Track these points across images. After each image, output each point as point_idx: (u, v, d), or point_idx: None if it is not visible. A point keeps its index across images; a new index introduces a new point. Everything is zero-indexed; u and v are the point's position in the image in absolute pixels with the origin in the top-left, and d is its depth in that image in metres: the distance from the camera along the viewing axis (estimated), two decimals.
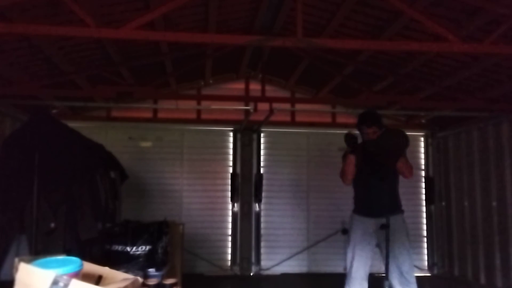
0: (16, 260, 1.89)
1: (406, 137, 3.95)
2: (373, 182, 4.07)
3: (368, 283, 4.20)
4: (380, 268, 4.26)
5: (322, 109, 8.15)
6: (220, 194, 7.99)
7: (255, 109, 6.83)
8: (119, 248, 4.19)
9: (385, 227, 3.79)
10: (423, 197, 8.33)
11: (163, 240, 4.40)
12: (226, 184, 8.00)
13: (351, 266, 4.16)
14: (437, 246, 8.13)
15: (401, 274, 4.03)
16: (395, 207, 4.16)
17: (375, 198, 4.11)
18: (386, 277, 3.96)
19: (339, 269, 7.53)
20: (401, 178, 4.22)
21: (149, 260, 4.15)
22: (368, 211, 4.14)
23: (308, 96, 8.15)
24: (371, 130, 4.10)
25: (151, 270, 3.94)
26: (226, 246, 7.94)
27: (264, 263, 7.92)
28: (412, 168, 4.13)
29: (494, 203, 6.55)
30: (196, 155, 7.97)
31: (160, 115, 7.85)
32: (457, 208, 7.55)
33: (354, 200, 4.36)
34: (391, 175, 4.13)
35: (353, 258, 4.16)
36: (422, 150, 8.39)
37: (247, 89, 8.01)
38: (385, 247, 3.86)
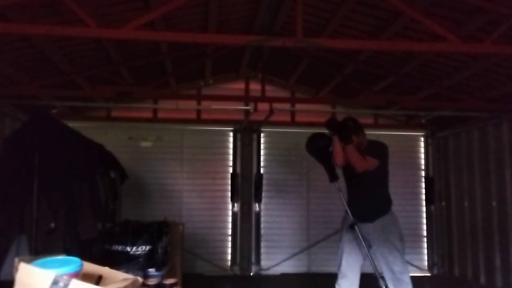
0: (16, 260, 1.89)
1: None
2: (353, 188, 4.23)
3: (361, 282, 4.22)
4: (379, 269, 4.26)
5: (322, 109, 8.14)
6: (220, 194, 7.99)
7: (255, 109, 6.83)
8: (119, 248, 4.19)
9: (352, 227, 3.98)
10: (423, 197, 8.33)
11: (163, 240, 4.40)
12: (226, 184, 8.00)
13: (340, 263, 4.20)
14: (437, 246, 8.13)
15: (393, 274, 4.03)
16: (380, 210, 4.17)
17: (356, 204, 4.17)
18: (382, 277, 3.97)
19: None
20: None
21: (149, 260, 4.14)
22: (354, 215, 4.14)
23: (308, 96, 8.15)
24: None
25: (151, 270, 3.93)
26: (226, 246, 7.94)
27: (264, 263, 7.92)
28: (360, 160, 4.00)
29: (494, 203, 6.54)
30: (196, 155, 7.97)
31: (160, 115, 7.85)
32: (457, 208, 7.55)
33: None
34: (370, 180, 4.13)
35: (342, 255, 4.20)
36: (422, 150, 8.39)
37: (247, 89, 8.01)
38: (364, 246, 3.97)
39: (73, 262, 1.93)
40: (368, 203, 4.14)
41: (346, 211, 4.26)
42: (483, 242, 6.79)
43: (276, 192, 8.06)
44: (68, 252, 2.61)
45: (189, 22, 5.39)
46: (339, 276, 4.18)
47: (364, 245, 4.01)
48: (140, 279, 2.23)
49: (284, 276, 7.79)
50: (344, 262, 4.17)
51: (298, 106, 7.79)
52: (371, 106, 7.67)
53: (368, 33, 5.22)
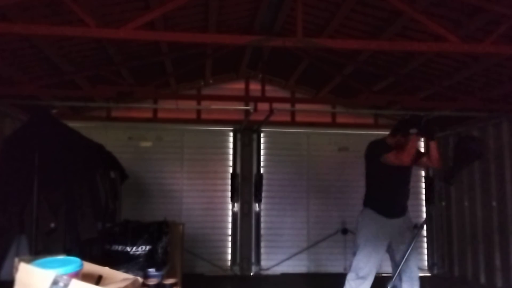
0: (16, 260, 1.90)
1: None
2: (401, 187, 4.30)
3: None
4: (380, 269, 4.27)
5: (322, 109, 8.15)
6: (220, 194, 7.99)
7: (255, 109, 6.83)
8: (119, 248, 4.20)
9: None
10: (423, 197, 8.32)
11: (163, 240, 4.41)
12: (226, 184, 8.00)
13: (368, 261, 4.18)
14: (437, 246, 8.13)
15: (411, 271, 4.14)
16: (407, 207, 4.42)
17: (398, 202, 4.30)
18: (400, 279, 4.02)
19: (339, 269, 7.55)
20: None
21: (149, 260, 4.15)
22: (390, 213, 4.25)
23: (308, 96, 8.15)
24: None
25: (151, 270, 3.94)
26: (226, 246, 7.94)
27: (264, 263, 7.92)
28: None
29: (494, 203, 6.54)
30: (196, 155, 7.97)
31: (160, 115, 7.85)
32: (457, 208, 7.55)
33: (374, 199, 4.37)
34: (410, 178, 4.38)
35: (370, 255, 4.20)
36: (422, 150, 8.37)
37: (247, 89, 8.01)
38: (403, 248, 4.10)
39: (73, 262, 1.93)
40: (405, 199, 4.36)
41: (366, 213, 4.30)
42: (483, 242, 6.78)
43: (276, 192, 8.06)
44: (68, 252, 2.61)
45: (189, 22, 5.38)
46: (362, 278, 4.15)
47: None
48: (140, 279, 2.23)
49: (284, 276, 7.79)
50: (367, 263, 4.17)
51: (298, 106, 7.79)
52: (371, 106, 7.67)
53: (368, 33, 5.21)
